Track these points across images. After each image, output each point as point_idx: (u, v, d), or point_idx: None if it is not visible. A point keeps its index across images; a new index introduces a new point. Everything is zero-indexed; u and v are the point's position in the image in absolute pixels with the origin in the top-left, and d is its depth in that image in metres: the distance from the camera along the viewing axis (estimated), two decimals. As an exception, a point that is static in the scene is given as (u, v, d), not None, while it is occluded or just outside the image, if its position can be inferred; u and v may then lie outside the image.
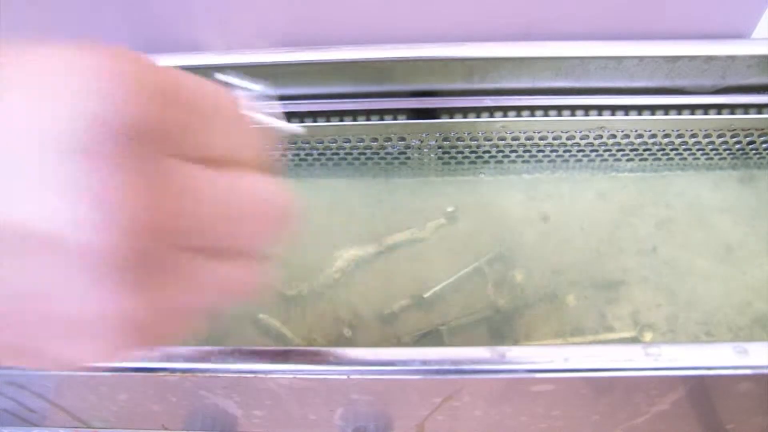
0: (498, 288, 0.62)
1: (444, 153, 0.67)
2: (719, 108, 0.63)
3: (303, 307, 0.62)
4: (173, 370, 0.42)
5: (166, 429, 0.54)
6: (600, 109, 0.63)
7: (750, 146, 0.66)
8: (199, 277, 0.21)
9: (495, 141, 0.66)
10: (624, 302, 0.61)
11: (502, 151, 0.67)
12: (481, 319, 0.61)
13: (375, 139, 0.66)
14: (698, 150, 0.66)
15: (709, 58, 0.58)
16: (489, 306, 0.61)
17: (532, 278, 0.63)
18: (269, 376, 0.42)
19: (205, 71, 0.61)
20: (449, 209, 0.66)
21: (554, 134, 0.65)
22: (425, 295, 0.60)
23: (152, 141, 0.18)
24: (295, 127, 0.53)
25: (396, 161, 0.69)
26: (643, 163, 0.69)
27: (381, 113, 0.65)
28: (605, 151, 0.67)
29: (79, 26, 0.68)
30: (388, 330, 0.60)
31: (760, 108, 0.63)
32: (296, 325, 0.61)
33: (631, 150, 0.67)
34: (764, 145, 0.66)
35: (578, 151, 0.67)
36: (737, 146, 0.66)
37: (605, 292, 0.62)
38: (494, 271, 0.63)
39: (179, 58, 0.60)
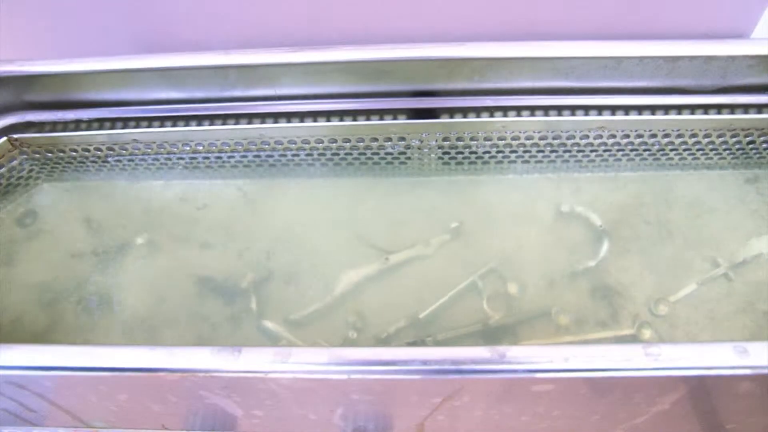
0: (497, 289, 0.62)
1: (444, 153, 0.67)
2: (719, 108, 0.63)
3: (304, 329, 0.61)
4: (173, 370, 0.42)
5: (166, 429, 0.54)
6: (600, 109, 0.63)
7: (750, 146, 0.66)
8: None
9: (495, 141, 0.66)
10: (623, 301, 0.61)
11: (502, 151, 0.67)
12: (479, 314, 0.61)
13: (375, 139, 0.66)
14: (698, 150, 0.66)
15: (709, 58, 0.58)
16: (489, 306, 0.61)
17: (533, 277, 0.63)
18: (269, 376, 0.42)
19: (206, 71, 0.61)
20: (453, 225, 0.66)
21: (554, 134, 0.65)
22: (420, 316, 0.60)
23: None
24: None
25: (396, 161, 0.69)
26: (643, 163, 0.69)
27: (381, 113, 0.65)
28: (605, 151, 0.67)
29: (80, 27, 0.68)
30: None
31: (760, 108, 0.63)
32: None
33: (631, 150, 0.67)
34: (764, 145, 0.66)
35: (578, 151, 0.67)
36: (737, 146, 0.66)
37: (605, 290, 0.62)
38: (493, 271, 0.64)
39: (179, 59, 0.60)
